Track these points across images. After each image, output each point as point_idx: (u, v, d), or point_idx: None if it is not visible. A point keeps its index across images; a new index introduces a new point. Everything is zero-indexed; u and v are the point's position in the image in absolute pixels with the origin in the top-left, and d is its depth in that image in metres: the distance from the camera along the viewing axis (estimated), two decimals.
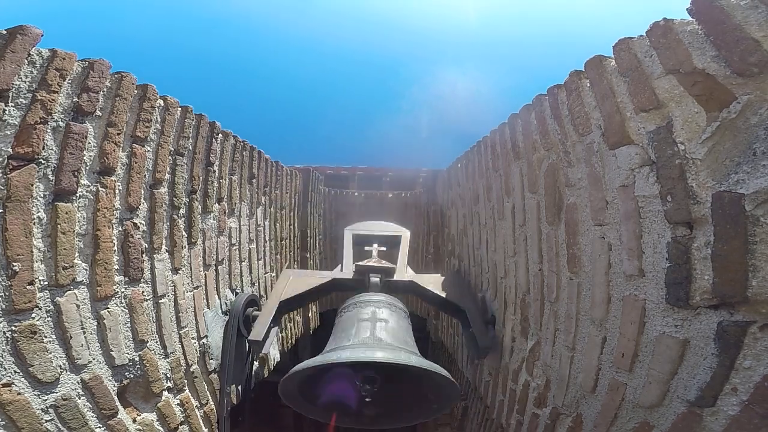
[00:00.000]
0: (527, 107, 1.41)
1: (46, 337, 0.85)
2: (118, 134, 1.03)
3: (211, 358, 1.50)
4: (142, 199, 1.14)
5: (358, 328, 1.40)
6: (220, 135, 1.56)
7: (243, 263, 1.87)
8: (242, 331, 1.66)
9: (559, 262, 1.23)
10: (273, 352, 2.20)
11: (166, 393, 1.21)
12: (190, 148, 1.37)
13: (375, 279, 1.82)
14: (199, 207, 1.45)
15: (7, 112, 0.77)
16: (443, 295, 1.92)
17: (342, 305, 1.66)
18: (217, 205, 1.59)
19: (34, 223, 0.83)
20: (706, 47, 0.71)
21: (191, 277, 1.40)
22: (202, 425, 1.40)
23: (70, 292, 0.91)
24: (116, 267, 1.05)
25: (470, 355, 2.00)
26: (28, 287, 0.81)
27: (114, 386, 1.02)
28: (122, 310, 1.06)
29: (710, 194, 0.72)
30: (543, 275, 1.35)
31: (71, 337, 0.90)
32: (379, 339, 1.35)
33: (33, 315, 0.82)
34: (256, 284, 2.04)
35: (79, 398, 0.91)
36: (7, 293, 0.78)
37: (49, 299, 0.86)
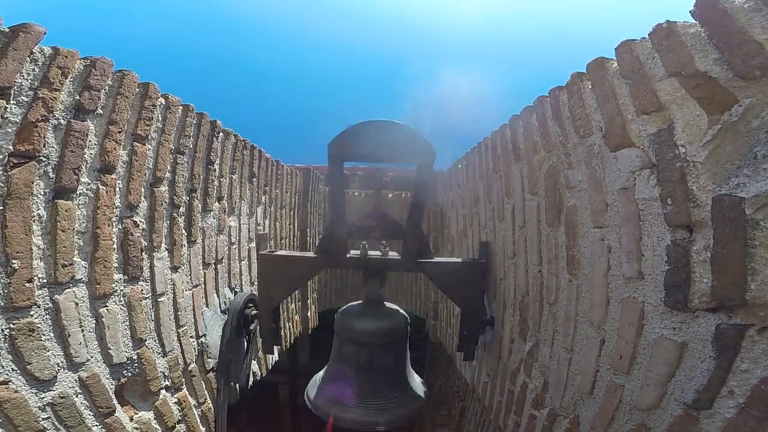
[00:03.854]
0: (528, 108, 1.41)
1: (44, 334, 0.84)
2: (119, 132, 1.03)
3: (209, 357, 1.50)
4: (143, 198, 1.14)
5: (356, 378, 1.54)
6: (221, 134, 1.56)
7: (242, 262, 1.87)
8: (241, 330, 1.66)
9: (559, 264, 1.23)
10: None
11: (163, 391, 1.21)
12: (191, 146, 1.37)
13: (374, 285, 1.64)
14: (199, 205, 1.45)
15: (8, 109, 0.77)
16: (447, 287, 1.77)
17: (337, 323, 1.61)
18: (217, 203, 1.59)
19: (33, 221, 0.83)
20: (708, 50, 0.71)
21: (190, 275, 1.40)
22: (200, 424, 1.40)
23: (68, 289, 0.91)
24: (115, 265, 1.04)
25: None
26: (26, 285, 0.81)
27: (111, 384, 1.02)
28: (121, 308, 1.06)
29: (710, 198, 0.72)
30: (542, 277, 1.35)
31: (69, 335, 0.90)
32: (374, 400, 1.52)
33: (31, 312, 0.82)
34: (256, 283, 2.04)
35: (77, 396, 0.91)
36: (5, 291, 0.78)
37: (47, 297, 0.86)
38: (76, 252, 0.94)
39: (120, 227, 1.07)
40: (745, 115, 0.67)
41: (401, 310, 1.66)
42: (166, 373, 1.23)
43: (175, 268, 1.30)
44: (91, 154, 0.96)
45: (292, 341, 2.75)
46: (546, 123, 1.27)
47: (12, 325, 0.78)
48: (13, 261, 0.79)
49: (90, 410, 0.94)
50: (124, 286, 1.07)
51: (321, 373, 1.71)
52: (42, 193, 0.85)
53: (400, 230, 1.57)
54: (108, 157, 1.00)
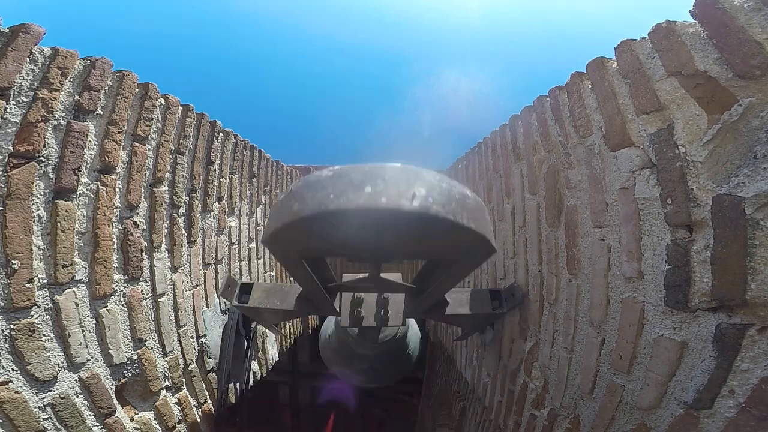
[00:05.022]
0: (528, 108, 1.41)
1: (44, 335, 0.84)
2: (119, 133, 1.03)
3: (210, 357, 1.50)
4: (142, 198, 1.14)
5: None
6: (221, 134, 1.56)
7: (242, 262, 1.87)
8: (241, 330, 1.66)
9: (559, 263, 1.23)
10: (272, 351, 2.20)
11: (163, 392, 1.21)
12: (191, 146, 1.37)
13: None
14: (199, 206, 1.45)
15: (8, 110, 0.77)
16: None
17: None
18: (217, 204, 1.59)
19: (33, 221, 0.83)
20: (708, 50, 0.71)
21: (190, 275, 1.40)
22: (200, 424, 1.40)
23: (69, 290, 0.91)
24: (115, 265, 1.04)
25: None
26: (27, 285, 0.81)
27: (112, 385, 1.02)
28: (121, 309, 1.06)
29: (710, 197, 0.72)
30: (542, 277, 1.35)
31: (70, 336, 0.90)
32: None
33: (32, 313, 0.82)
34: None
35: (77, 396, 0.91)
36: (6, 291, 0.78)
37: (48, 297, 0.86)
38: (76, 252, 0.94)
39: (120, 227, 1.07)
40: (745, 114, 0.67)
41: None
42: (166, 374, 1.23)
43: (175, 269, 1.30)
44: (91, 154, 0.96)
45: (292, 341, 2.75)
46: (546, 123, 1.27)
47: (12, 326, 0.78)
48: (14, 261, 0.79)
49: (90, 410, 0.94)
50: (125, 287, 1.07)
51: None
52: (42, 193, 0.85)
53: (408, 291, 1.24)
54: (108, 158, 1.00)
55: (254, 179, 1.97)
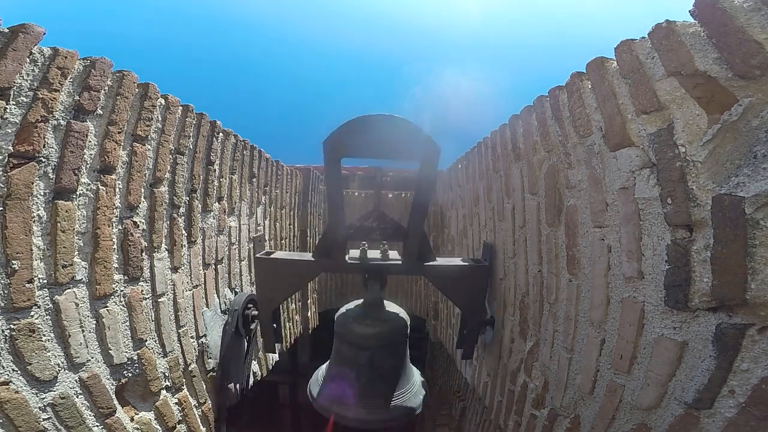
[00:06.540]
0: (528, 108, 1.41)
1: (44, 335, 0.84)
2: (119, 133, 1.03)
3: (210, 358, 1.50)
4: (142, 198, 1.14)
5: (357, 378, 1.52)
6: (220, 134, 1.56)
7: (242, 262, 1.87)
8: (241, 330, 1.66)
9: (559, 263, 1.23)
10: None
11: (164, 392, 1.21)
12: (191, 146, 1.37)
13: (374, 288, 1.57)
14: (199, 206, 1.45)
15: (8, 110, 0.77)
16: (448, 289, 1.68)
17: (338, 324, 1.56)
18: (217, 204, 1.59)
19: (33, 221, 0.83)
20: (708, 49, 0.71)
21: (190, 276, 1.40)
22: (200, 424, 1.40)
23: (69, 290, 0.91)
24: (115, 265, 1.04)
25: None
26: (27, 285, 0.81)
27: (112, 385, 1.02)
28: (121, 309, 1.06)
29: (710, 197, 0.72)
30: (542, 277, 1.35)
31: (70, 336, 0.90)
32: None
33: (32, 313, 0.82)
34: (256, 284, 2.04)
35: (77, 397, 0.91)
36: (6, 291, 0.78)
37: (48, 297, 0.86)
38: (76, 252, 0.94)
39: (120, 228, 1.07)
40: (745, 114, 0.67)
41: (401, 313, 1.64)
42: (166, 374, 1.23)
43: (175, 269, 1.30)
44: (90, 154, 0.96)
45: (292, 341, 2.75)
46: (546, 123, 1.27)
47: (12, 326, 0.78)
48: (14, 262, 0.79)
49: (90, 411, 0.94)
50: (125, 287, 1.07)
51: (323, 368, 1.69)
52: (42, 193, 0.85)
53: (400, 231, 1.48)
54: (108, 158, 1.00)
55: (254, 179, 1.97)
